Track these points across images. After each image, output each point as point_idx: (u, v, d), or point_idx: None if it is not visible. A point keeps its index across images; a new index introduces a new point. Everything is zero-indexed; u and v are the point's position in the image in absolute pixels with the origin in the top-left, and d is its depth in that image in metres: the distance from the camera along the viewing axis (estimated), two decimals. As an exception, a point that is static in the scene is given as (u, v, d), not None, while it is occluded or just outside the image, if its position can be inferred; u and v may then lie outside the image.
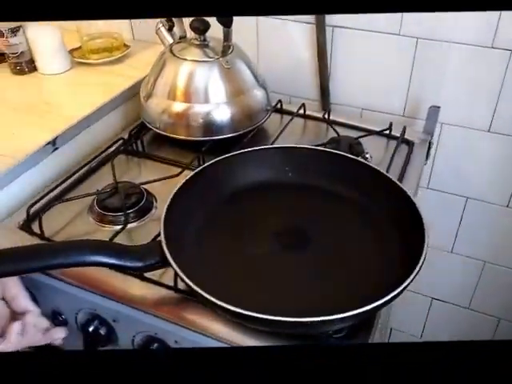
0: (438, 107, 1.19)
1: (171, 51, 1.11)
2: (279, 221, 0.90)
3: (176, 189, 0.85)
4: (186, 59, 1.09)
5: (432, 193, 1.39)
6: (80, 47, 1.39)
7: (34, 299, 0.92)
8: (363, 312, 0.65)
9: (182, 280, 0.70)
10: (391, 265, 0.79)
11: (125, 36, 1.45)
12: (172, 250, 0.73)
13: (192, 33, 1.12)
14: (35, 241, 0.90)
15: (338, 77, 1.31)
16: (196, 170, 0.90)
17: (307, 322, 0.65)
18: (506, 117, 1.21)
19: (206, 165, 0.92)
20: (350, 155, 0.96)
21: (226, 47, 1.09)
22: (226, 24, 1.05)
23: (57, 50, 1.30)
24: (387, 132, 1.18)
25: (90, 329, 0.86)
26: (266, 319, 0.64)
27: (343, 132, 1.17)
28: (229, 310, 0.65)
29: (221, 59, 1.08)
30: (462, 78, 1.20)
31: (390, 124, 1.17)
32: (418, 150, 1.16)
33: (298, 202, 0.94)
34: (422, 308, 1.69)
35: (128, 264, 0.73)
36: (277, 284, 0.79)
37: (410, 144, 1.17)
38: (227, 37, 1.07)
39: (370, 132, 1.17)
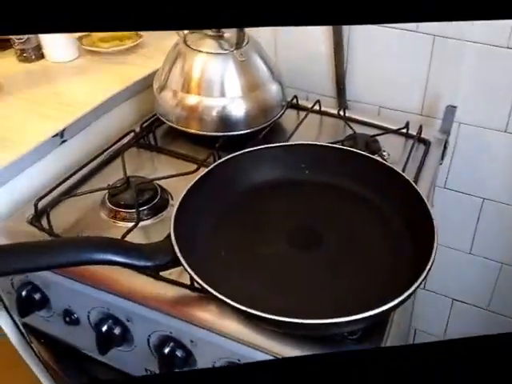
0: (455, 107, 1.18)
1: (185, 42, 1.09)
2: (292, 220, 0.88)
3: (188, 187, 0.83)
4: (200, 51, 1.07)
5: (449, 193, 1.38)
6: (89, 34, 1.36)
7: (45, 298, 0.91)
8: (376, 314, 0.64)
9: (194, 280, 0.68)
10: (403, 265, 0.78)
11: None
12: (183, 249, 0.71)
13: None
14: (44, 236, 0.88)
15: (355, 73, 1.30)
16: (208, 168, 0.88)
17: (320, 323, 0.64)
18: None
19: (218, 162, 0.90)
20: (366, 154, 0.94)
21: (241, 39, 1.06)
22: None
23: (65, 36, 1.27)
24: (404, 130, 1.16)
25: (104, 328, 0.84)
26: (279, 320, 0.63)
27: (359, 129, 1.16)
28: (243, 311, 0.65)
29: (235, 51, 1.06)
30: (479, 78, 1.19)
31: (407, 123, 1.16)
32: (434, 149, 1.15)
33: (311, 200, 0.92)
34: (443, 309, 1.69)
35: (136, 263, 0.71)
36: (290, 284, 0.78)
37: (426, 143, 1.15)
38: (242, 29, 1.04)
39: (386, 130, 1.16)
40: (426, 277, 0.69)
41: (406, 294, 0.66)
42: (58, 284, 0.87)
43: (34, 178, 1.00)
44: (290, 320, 0.63)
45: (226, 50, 1.07)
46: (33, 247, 0.67)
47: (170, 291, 0.80)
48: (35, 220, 0.91)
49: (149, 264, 0.71)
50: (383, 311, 0.64)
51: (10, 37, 1.27)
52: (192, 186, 0.83)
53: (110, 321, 0.85)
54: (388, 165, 0.91)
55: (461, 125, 1.26)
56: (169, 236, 0.78)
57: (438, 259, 1.65)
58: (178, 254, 0.70)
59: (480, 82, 1.19)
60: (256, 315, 0.64)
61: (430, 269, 0.70)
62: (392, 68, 1.25)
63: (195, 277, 0.68)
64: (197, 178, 0.85)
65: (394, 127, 1.17)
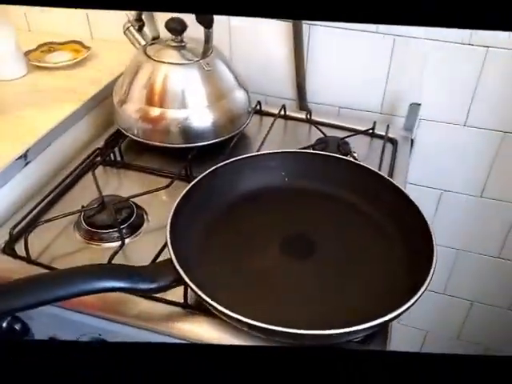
0: (419, 104, 1.20)
1: (146, 53, 1.07)
2: (282, 229, 0.88)
3: (175, 204, 0.81)
4: (163, 62, 1.04)
5: (409, 187, 1.41)
6: (36, 49, 1.32)
7: (26, 329, 0.87)
8: (379, 324, 0.65)
9: (202, 299, 0.67)
10: (400, 269, 0.80)
11: (82, 35, 1.39)
12: (183, 268, 0.70)
13: (166, 33, 1.08)
14: (20, 264, 0.85)
15: (315, 75, 1.30)
16: (193, 183, 0.86)
17: (322, 334, 0.64)
18: (481, 112, 1.24)
19: (201, 176, 0.88)
20: (345, 157, 0.96)
21: (208, 49, 1.05)
22: (207, 25, 1.01)
23: (13, 52, 1.22)
24: (370, 131, 1.18)
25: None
26: (289, 333, 0.63)
27: (325, 132, 1.16)
28: (255, 326, 0.64)
29: (201, 61, 1.04)
30: (440, 75, 1.22)
31: (374, 123, 1.18)
32: (402, 147, 1.17)
33: (297, 207, 0.93)
34: None
35: (141, 286, 0.70)
36: (289, 295, 0.78)
37: (393, 142, 1.17)
38: (208, 38, 1.03)
39: (354, 131, 1.17)
40: (430, 281, 0.70)
41: (414, 299, 0.67)
42: (42, 313, 0.83)
43: (3, 203, 0.96)
44: (298, 332, 0.63)
45: (189, 60, 1.05)
46: (34, 281, 0.64)
47: (163, 310, 0.78)
48: (9, 248, 0.87)
49: (153, 286, 0.70)
50: (385, 321, 0.65)
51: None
52: (179, 202, 0.82)
53: None
54: (368, 167, 0.92)
55: (421, 121, 1.28)
56: (159, 254, 0.77)
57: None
58: (182, 274, 0.69)
59: (440, 79, 1.22)
60: (272, 330, 0.64)
61: (433, 273, 0.71)
62: (352, 68, 1.27)
63: (203, 295, 0.67)
64: (183, 194, 0.83)
65: (360, 128, 1.18)
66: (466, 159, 1.33)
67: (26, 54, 1.29)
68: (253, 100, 1.23)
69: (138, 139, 1.07)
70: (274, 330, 0.63)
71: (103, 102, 1.20)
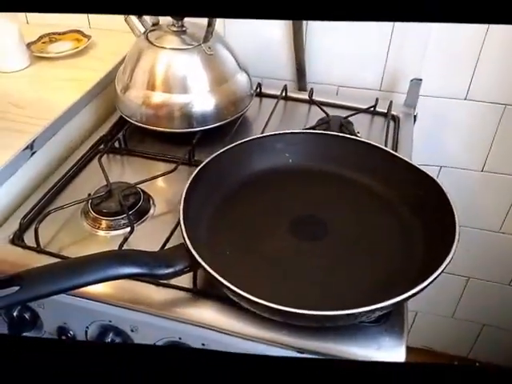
0: (420, 79, 1.19)
1: (147, 39, 1.07)
2: (291, 210, 0.89)
3: (185, 188, 0.82)
4: (164, 47, 1.05)
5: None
6: (37, 40, 1.32)
7: (36, 318, 0.88)
8: (395, 303, 0.65)
9: (220, 283, 0.67)
10: (415, 249, 0.79)
11: (80, 24, 1.39)
12: (199, 252, 0.71)
13: (165, 19, 1.08)
14: (30, 254, 0.85)
15: (313, 54, 1.29)
16: (200, 166, 0.87)
17: (336, 315, 0.65)
18: (482, 85, 1.23)
19: (209, 159, 0.89)
20: (349, 136, 0.96)
21: (209, 33, 1.05)
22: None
23: (16, 44, 1.22)
24: (372, 109, 1.18)
25: (107, 342, 0.83)
26: (303, 314, 0.64)
27: (327, 111, 1.16)
28: (277, 309, 0.64)
29: (203, 45, 1.04)
30: (440, 49, 1.21)
31: (376, 100, 1.17)
32: (405, 124, 1.16)
33: (304, 189, 0.93)
34: None
35: (157, 272, 0.71)
36: (302, 277, 0.78)
37: (395, 119, 1.17)
38: (211, 22, 1.03)
39: (356, 110, 1.17)
40: (448, 263, 0.69)
41: (434, 276, 0.67)
42: (52, 301, 0.84)
43: (8, 194, 0.97)
44: (312, 313, 0.64)
45: (190, 44, 1.05)
46: (58, 269, 0.65)
47: (172, 296, 0.79)
48: (18, 238, 0.88)
49: (168, 271, 0.71)
50: (401, 300, 0.65)
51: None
52: (189, 186, 0.82)
53: (112, 333, 0.83)
54: (374, 144, 0.92)
55: (420, 96, 1.27)
56: (168, 240, 0.77)
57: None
58: (198, 259, 0.69)
59: (441, 53, 1.21)
60: (287, 311, 0.64)
61: (454, 252, 0.70)
62: (351, 45, 1.26)
63: (222, 280, 0.67)
64: (191, 178, 0.84)
65: (361, 106, 1.18)
66: (466, 134, 1.33)
67: (28, 45, 1.29)
68: (254, 82, 1.23)
69: (142, 125, 1.07)
70: (293, 312, 0.64)
71: (105, 89, 1.20)
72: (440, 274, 0.67)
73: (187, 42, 1.05)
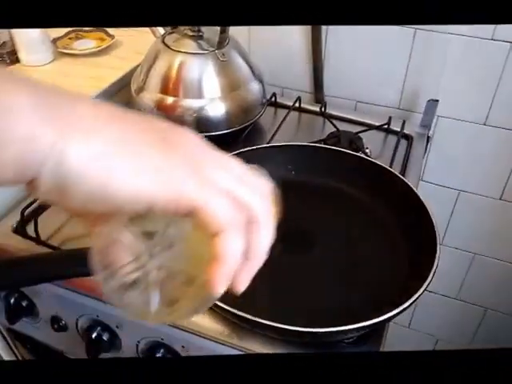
0: (437, 100, 1.18)
1: (164, 42, 1.09)
2: (284, 223, 0.89)
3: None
4: (179, 51, 1.07)
5: (425, 185, 1.40)
6: (63, 36, 1.36)
7: (33, 306, 0.91)
8: (376, 323, 0.66)
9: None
10: (402, 267, 0.80)
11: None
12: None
13: (184, 23, 1.10)
14: (30, 245, 0.88)
15: (333, 67, 1.30)
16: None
17: (319, 332, 0.65)
18: (502, 110, 1.22)
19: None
20: (353, 152, 0.97)
21: (223, 39, 1.07)
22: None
23: (40, 39, 1.26)
24: (385, 126, 1.18)
25: (93, 335, 0.85)
26: (281, 328, 0.65)
27: (340, 126, 1.17)
28: (253, 321, 0.66)
29: (217, 52, 1.06)
30: (461, 71, 1.19)
31: (390, 118, 1.17)
32: (417, 144, 1.16)
33: (301, 202, 0.93)
34: None
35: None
36: (289, 290, 0.79)
37: (408, 138, 1.17)
38: (224, 29, 1.05)
39: (368, 126, 1.17)
40: (430, 282, 0.70)
41: (410, 301, 0.67)
42: (47, 292, 0.86)
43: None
44: (292, 328, 0.65)
45: (205, 50, 1.07)
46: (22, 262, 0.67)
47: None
48: (20, 228, 0.90)
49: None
50: (382, 320, 0.66)
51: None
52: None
53: (99, 328, 0.86)
54: (377, 162, 0.93)
55: (439, 118, 1.27)
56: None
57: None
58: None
59: (462, 75, 1.20)
60: (262, 324, 0.66)
61: (434, 274, 0.72)
62: (370, 62, 1.26)
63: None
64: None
65: (375, 123, 1.19)
66: (485, 159, 1.31)
67: (55, 40, 1.33)
68: (270, 91, 1.25)
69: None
70: (266, 325, 0.65)
71: (122, 89, 1.23)
72: (421, 294, 0.68)
73: (202, 46, 1.07)
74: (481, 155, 1.30)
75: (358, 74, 1.29)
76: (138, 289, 0.41)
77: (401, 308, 0.66)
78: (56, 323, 0.91)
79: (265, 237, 0.42)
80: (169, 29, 1.13)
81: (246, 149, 0.95)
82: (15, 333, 1.02)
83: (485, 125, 1.25)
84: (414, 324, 1.77)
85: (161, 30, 1.13)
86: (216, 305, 0.67)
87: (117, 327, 0.84)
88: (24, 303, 0.91)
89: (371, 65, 1.26)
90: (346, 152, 0.96)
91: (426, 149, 1.20)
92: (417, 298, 0.68)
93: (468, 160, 1.32)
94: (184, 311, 0.43)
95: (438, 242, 0.76)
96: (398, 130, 1.17)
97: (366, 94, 1.31)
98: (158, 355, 0.82)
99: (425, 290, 0.69)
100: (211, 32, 1.09)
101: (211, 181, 0.38)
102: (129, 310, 0.42)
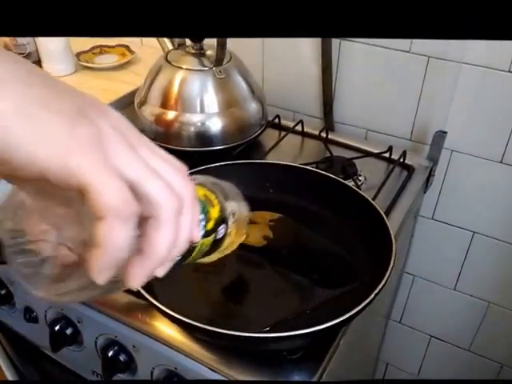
0: (445, 132, 1.19)
1: (166, 59, 1.16)
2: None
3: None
4: (180, 67, 1.14)
5: (436, 224, 1.39)
6: (89, 50, 1.46)
7: (10, 294, 0.98)
8: (308, 333, 0.67)
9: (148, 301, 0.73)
10: (359, 286, 0.83)
11: (133, 39, 1.50)
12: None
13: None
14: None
15: (344, 95, 1.33)
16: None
17: (252, 337, 0.68)
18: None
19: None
20: (327, 174, 0.99)
21: (221, 56, 1.13)
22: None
23: (63, 52, 1.37)
24: (387, 155, 1.20)
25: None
26: (211, 331, 0.68)
27: (341, 152, 1.21)
28: (178, 319, 0.69)
29: (214, 69, 1.12)
30: (476, 103, 1.18)
31: (390, 147, 1.19)
32: (417, 176, 1.17)
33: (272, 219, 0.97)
34: (419, 345, 1.67)
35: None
36: (243, 300, 0.83)
37: (409, 169, 1.18)
38: (222, 46, 1.10)
39: (366, 153, 1.19)
40: (372, 300, 0.72)
41: (340, 319, 0.69)
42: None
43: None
44: (221, 331, 0.68)
45: (206, 66, 1.13)
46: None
47: (119, 297, 0.86)
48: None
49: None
50: (317, 330, 0.68)
51: (13, 51, 1.36)
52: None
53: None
54: (349, 185, 0.96)
55: (453, 152, 1.26)
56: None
57: (419, 293, 1.63)
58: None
59: (477, 108, 1.18)
60: (190, 324, 0.69)
61: (377, 293, 0.73)
62: (382, 90, 1.28)
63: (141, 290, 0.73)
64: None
65: (377, 151, 1.20)
66: (501, 201, 1.28)
67: (79, 54, 1.44)
68: (281, 114, 1.30)
69: (151, 141, 1.14)
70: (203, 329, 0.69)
71: (131, 104, 1.30)
72: (370, 302, 0.71)
73: (202, 63, 1.14)
74: (496, 194, 1.28)
75: (369, 102, 1.31)
76: (35, 257, 0.42)
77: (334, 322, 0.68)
78: (29, 313, 0.98)
79: (163, 235, 0.40)
80: (176, 44, 1.19)
81: (224, 163, 1.00)
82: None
83: (501, 162, 1.23)
84: (423, 373, 1.73)
85: (169, 46, 1.19)
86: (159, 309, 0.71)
87: (78, 322, 0.90)
88: (3, 291, 0.99)
89: (382, 93, 1.28)
90: (323, 174, 0.98)
91: (427, 182, 1.20)
92: (356, 313, 0.70)
93: (484, 200, 1.30)
94: (69, 291, 0.43)
95: (390, 265, 0.77)
96: (400, 159, 1.18)
97: (376, 123, 1.33)
98: (110, 352, 0.87)
99: (363, 308, 0.71)
100: (213, 50, 1.15)
101: (114, 165, 0.37)
102: (19, 272, 0.43)
